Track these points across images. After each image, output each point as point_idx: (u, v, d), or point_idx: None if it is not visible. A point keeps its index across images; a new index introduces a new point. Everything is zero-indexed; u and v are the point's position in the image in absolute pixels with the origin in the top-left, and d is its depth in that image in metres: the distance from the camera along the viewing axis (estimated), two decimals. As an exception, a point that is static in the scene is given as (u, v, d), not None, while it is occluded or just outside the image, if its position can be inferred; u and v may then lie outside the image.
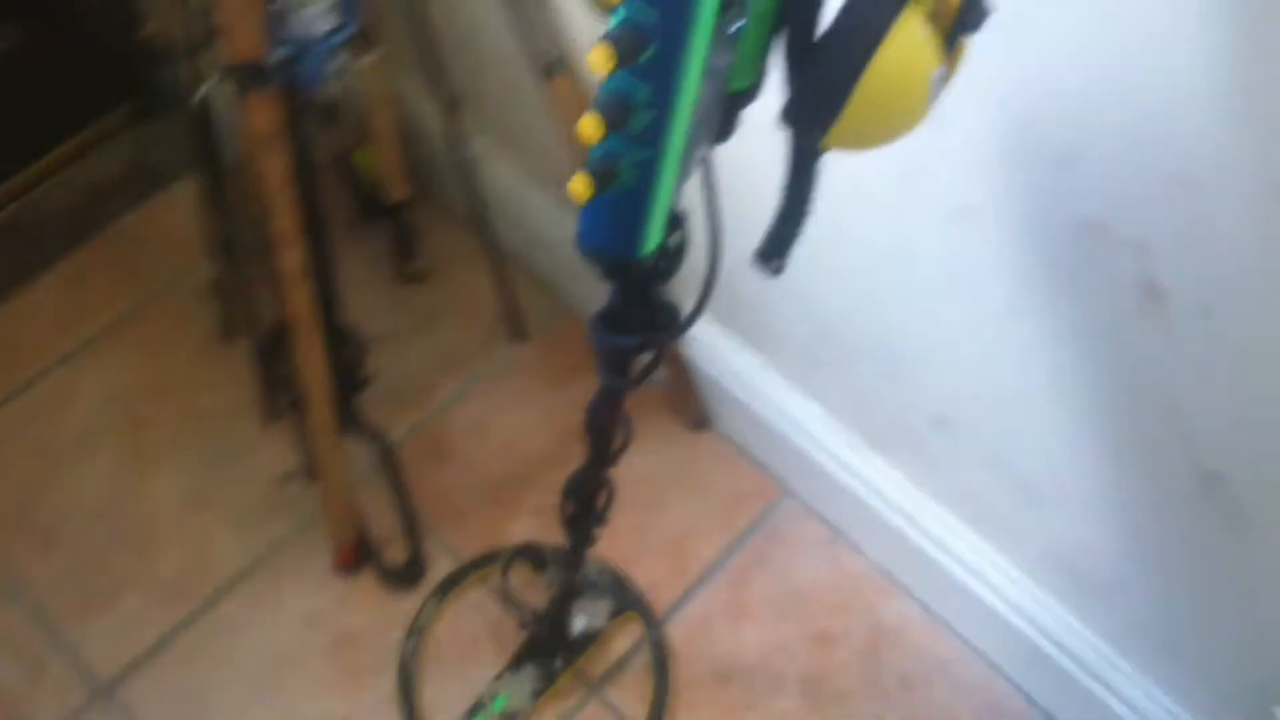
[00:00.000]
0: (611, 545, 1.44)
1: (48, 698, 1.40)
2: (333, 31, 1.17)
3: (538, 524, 1.51)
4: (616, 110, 0.63)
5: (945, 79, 0.63)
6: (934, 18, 0.60)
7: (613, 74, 0.61)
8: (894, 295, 1.18)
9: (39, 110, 1.66)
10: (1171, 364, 0.94)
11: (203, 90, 1.17)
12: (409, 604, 1.46)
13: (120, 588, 1.47)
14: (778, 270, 0.82)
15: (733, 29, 0.66)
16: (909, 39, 0.59)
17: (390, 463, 1.54)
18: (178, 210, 1.72)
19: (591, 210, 0.72)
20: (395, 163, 1.46)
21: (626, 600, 1.45)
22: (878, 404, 1.32)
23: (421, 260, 1.69)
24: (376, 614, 1.46)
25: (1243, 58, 0.74)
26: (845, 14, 0.60)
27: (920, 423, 1.27)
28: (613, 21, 0.61)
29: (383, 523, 1.50)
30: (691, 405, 1.55)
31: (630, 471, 1.08)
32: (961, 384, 1.19)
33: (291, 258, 1.19)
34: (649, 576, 1.48)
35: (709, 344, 1.48)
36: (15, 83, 1.60)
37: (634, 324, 0.86)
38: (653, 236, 0.73)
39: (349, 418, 1.55)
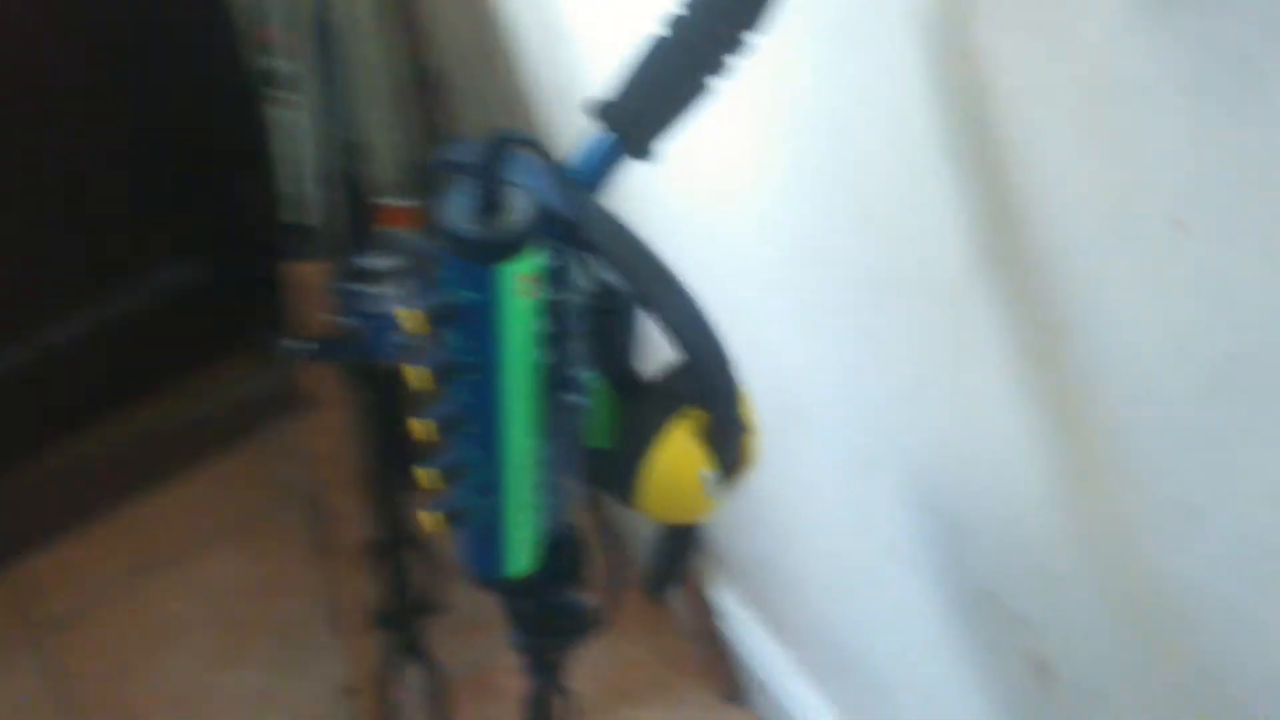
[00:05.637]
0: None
1: None
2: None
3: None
4: (452, 470, 0.74)
5: (727, 477, 0.72)
6: (703, 432, 0.69)
7: (443, 445, 0.72)
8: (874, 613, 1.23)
9: (213, 328, 1.91)
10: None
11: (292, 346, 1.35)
12: (421, 832, 1.54)
13: (178, 773, 1.62)
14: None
15: (570, 400, 0.77)
16: (675, 445, 0.68)
17: (438, 693, 1.64)
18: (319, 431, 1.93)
19: (460, 539, 0.82)
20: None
21: None
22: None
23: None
24: (391, 838, 1.54)
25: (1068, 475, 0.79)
26: (624, 430, 0.71)
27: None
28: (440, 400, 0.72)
29: (418, 748, 1.60)
30: (721, 678, 1.60)
31: None
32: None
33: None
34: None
35: (739, 623, 1.53)
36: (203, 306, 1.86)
37: (535, 624, 0.95)
38: (518, 561, 0.82)
39: (408, 640, 1.67)
